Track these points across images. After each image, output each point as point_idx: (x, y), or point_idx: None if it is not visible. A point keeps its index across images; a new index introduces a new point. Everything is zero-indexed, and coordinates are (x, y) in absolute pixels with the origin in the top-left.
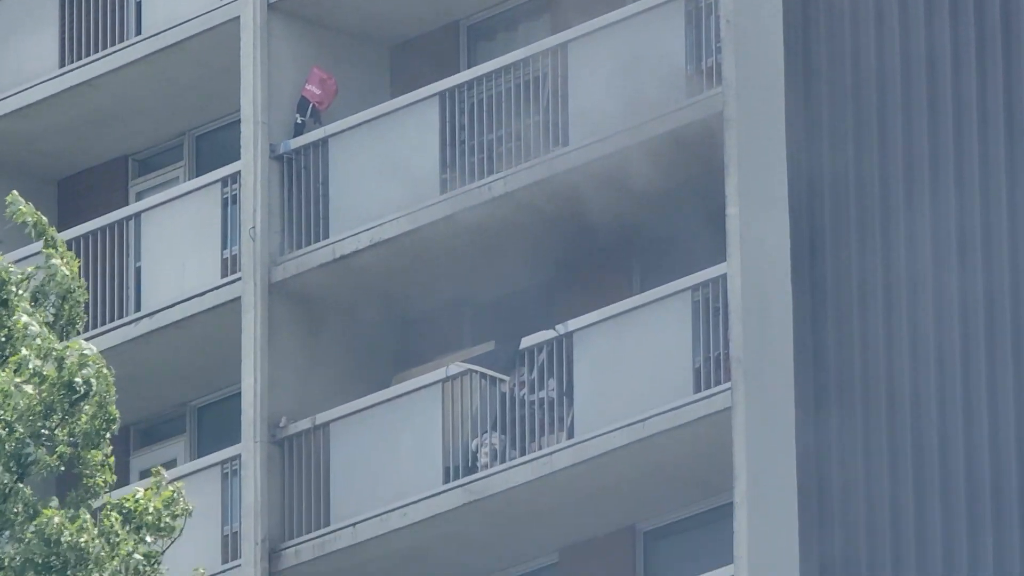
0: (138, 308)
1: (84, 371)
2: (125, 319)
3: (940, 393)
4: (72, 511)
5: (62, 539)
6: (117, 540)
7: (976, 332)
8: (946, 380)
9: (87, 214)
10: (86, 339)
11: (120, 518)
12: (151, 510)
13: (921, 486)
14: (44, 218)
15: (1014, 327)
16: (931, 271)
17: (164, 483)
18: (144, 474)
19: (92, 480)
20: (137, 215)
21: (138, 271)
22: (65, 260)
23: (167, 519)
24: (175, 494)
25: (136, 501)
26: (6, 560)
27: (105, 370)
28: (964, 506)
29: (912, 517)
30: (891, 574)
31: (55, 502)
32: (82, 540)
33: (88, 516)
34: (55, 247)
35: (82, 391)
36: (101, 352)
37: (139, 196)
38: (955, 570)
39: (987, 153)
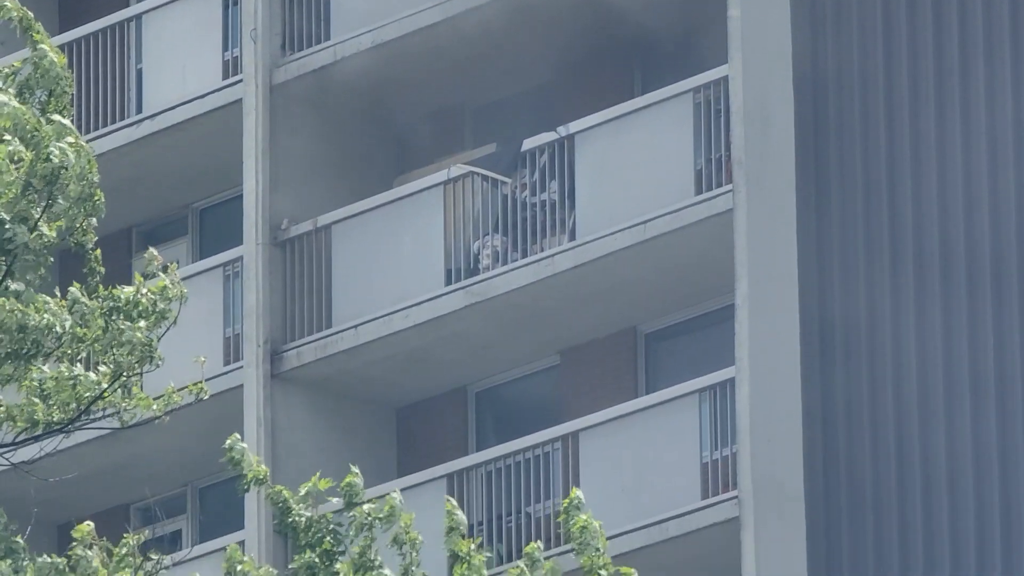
0: (139, 110)
1: (59, 143)
2: (126, 121)
3: (941, 195)
4: (29, 290)
5: (27, 323)
6: (89, 317)
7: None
8: (947, 187)
9: (88, 16)
10: (87, 141)
11: (106, 308)
12: (143, 296)
13: (922, 286)
14: (29, 13)
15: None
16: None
17: (157, 265)
18: (147, 277)
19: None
20: (138, 16)
21: (139, 73)
22: (53, 51)
23: (162, 304)
24: (169, 281)
25: (128, 293)
26: None
27: (84, 143)
28: (965, 304)
29: (912, 313)
30: (891, 352)
31: (14, 286)
32: (44, 320)
33: (48, 299)
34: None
35: (59, 162)
36: (102, 154)
37: None
38: (957, 382)
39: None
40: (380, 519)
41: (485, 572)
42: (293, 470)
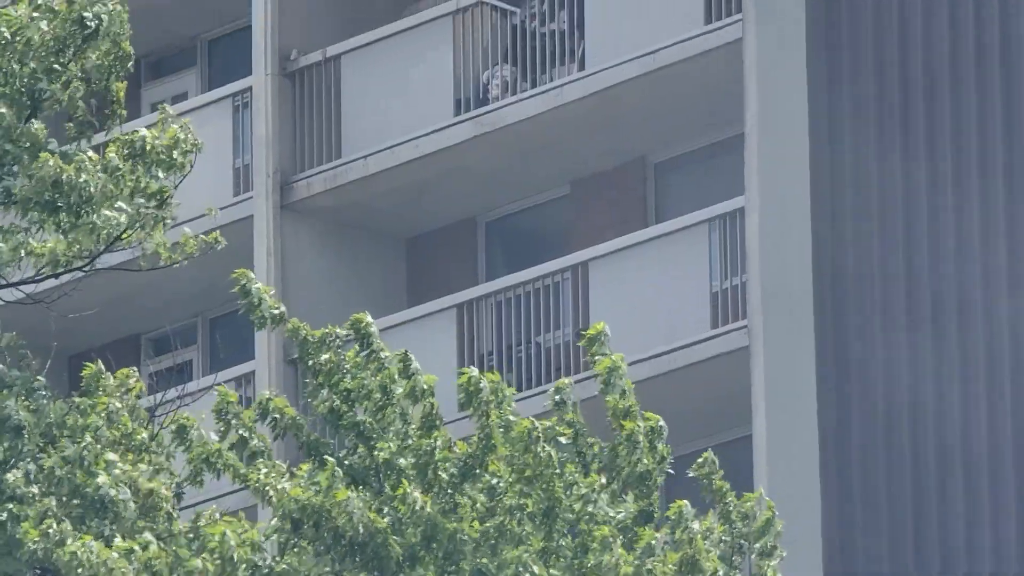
0: None
1: (96, 7)
2: None
3: (952, 15)
4: (74, 145)
5: (62, 180)
6: (120, 174)
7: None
8: (958, 4)
9: None
10: None
11: (124, 154)
12: (159, 148)
13: (932, 113)
14: None
15: None
16: None
17: (169, 120)
18: (156, 107)
19: (103, 114)
20: None
21: None
22: None
23: (177, 157)
24: (180, 131)
25: (142, 139)
26: (17, 194)
27: (119, 6)
28: (975, 128)
29: (922, 141)
30: (901, 176)
31: (54, 144)
32: (82, 179)
33: (89, 154)
34: None
35: (93, 26)
36: None
37: None
38: (966, 201)
39: None
40: (398, 370)
41: (508, 392)
42: (303, 301)
